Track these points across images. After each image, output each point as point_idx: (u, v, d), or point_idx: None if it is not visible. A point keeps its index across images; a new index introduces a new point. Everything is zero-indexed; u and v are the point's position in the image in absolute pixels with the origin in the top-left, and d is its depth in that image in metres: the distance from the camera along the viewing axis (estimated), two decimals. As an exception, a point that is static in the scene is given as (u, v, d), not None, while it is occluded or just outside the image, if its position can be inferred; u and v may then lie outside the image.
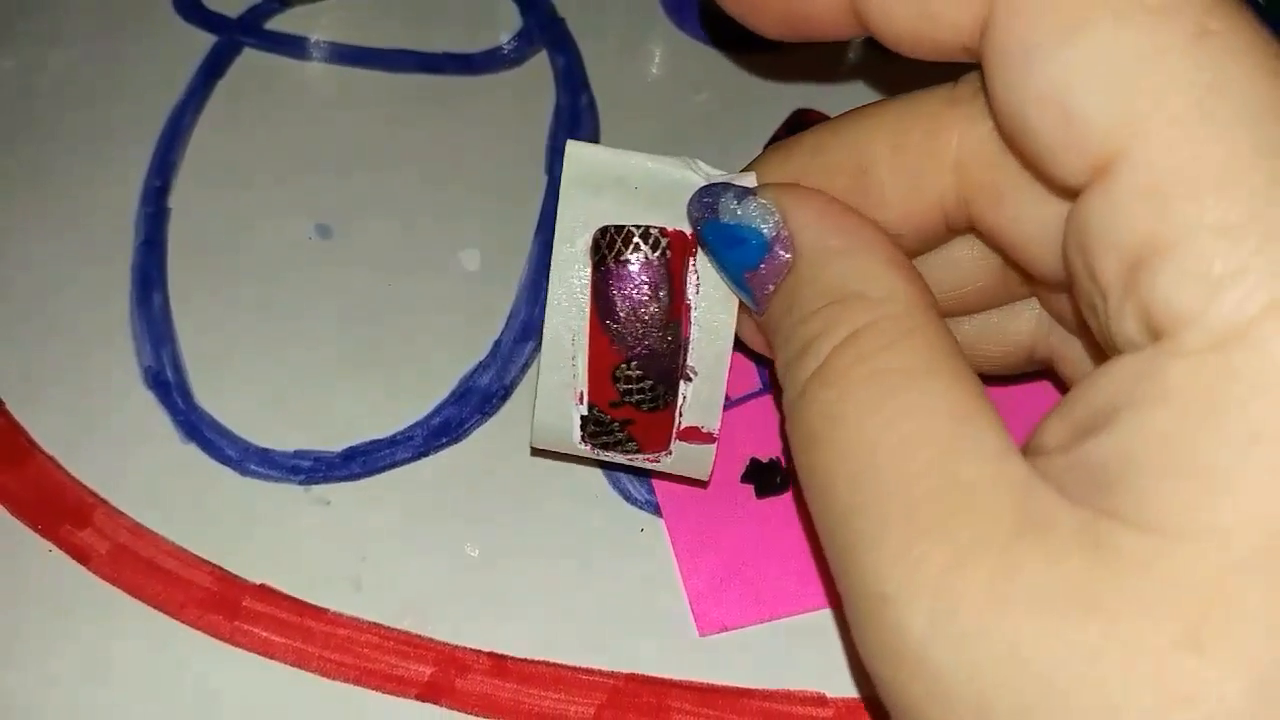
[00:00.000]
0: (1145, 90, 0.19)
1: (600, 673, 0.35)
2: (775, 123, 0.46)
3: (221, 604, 0.35)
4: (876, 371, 0.23)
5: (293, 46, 0.48)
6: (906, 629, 0.20)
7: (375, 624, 0.35)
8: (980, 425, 0.22)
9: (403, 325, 0.40)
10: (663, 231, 0.29)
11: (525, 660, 0.35)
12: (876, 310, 0.24)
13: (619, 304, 0.30)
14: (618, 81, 0.47)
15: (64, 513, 0.36)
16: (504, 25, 0.49)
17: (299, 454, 0.38)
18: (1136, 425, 0.19)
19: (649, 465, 0.34)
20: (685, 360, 0.31)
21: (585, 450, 0.33)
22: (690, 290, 0.30)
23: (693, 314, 0.30)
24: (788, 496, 0.38)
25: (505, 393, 0.39)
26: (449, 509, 0.37)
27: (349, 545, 0.36)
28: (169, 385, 0.39)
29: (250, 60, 0.47)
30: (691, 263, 0.30)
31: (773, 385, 0.39)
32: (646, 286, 0.29)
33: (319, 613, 0.35)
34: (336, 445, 0.38)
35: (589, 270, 0.30)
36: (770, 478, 0.38)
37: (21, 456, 0.37)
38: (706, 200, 0.28)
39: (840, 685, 0.34)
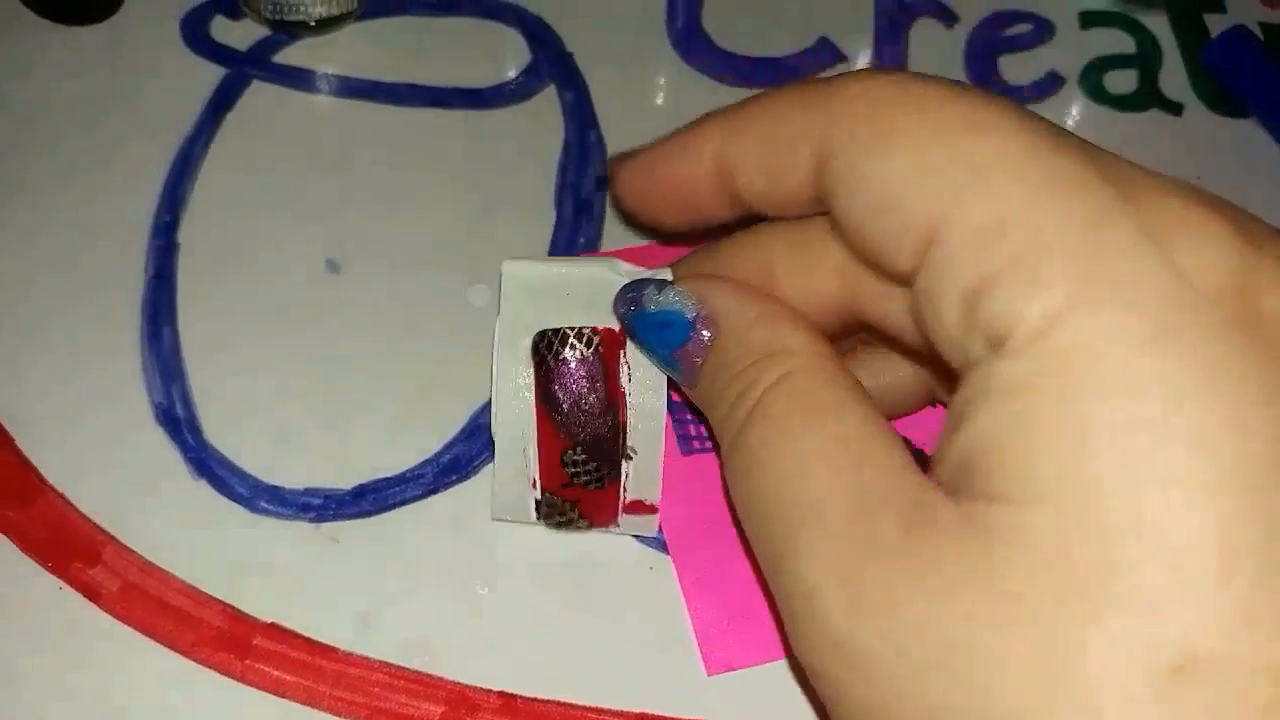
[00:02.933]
0: (951, 174, 0.23)
1: (611, 712, 0.35)
2: (782, 159, 0.46)
3: (232, 642, 0.35)
4: (804, 406, 0.27)
5: (301, 80, 0.48)
6: (827, 616, 0.24)
7: (386, 663, 0.35)
8: (884, 446, 0.25)
9: (412, 362, 0.41)
10: (595, 330, 0.34)
11: (535, 699, 0.35)
12: (799, 359, 0.28)
13: (562, 397, 0.34)
14: (625, 116, 0.48)
15: (74, 550, 0.36)
16: (513, 60, 0.49)
17: (309, 491, 0.38)
18: (981, 418, 0.22)
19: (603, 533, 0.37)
20: (625, 441, 0.35)
21: (540, 523, 0.37)
22: (624, 379, 0.34)
23: (628, 400, 0.34)
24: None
25: (515, 430, 0.39)
26: (459, 547, 0.37)
27: (359, 583, 0.36)
28: (179, 422, 0.39)
29: (259, 93, 0.47)
30: (623, 355, 0.34)
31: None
32: (584, 380, 0.34)
33: (329, 651, 0.35)
34: (346, 483, 0.38)
35: (531, 370, 0.34)
36: (778, 516, 0.38)
37: (31, 493, 0.37)
38: (631, 295, 0.32)
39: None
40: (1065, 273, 0.21)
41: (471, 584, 0.37)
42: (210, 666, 0.35)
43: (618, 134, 0.47)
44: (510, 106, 0.48)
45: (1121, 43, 0.53)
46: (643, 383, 0.34)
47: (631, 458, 0.35)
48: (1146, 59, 0.52)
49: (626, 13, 0.51)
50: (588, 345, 0.34)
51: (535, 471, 0.35)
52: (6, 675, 0.34)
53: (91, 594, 0.36)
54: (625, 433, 0.35)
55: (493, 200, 0.45)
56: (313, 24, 0.48)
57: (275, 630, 0.35)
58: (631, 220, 0.36)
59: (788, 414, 0.27)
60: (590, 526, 0.37)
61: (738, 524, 0.29)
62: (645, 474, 0.35)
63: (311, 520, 0.37)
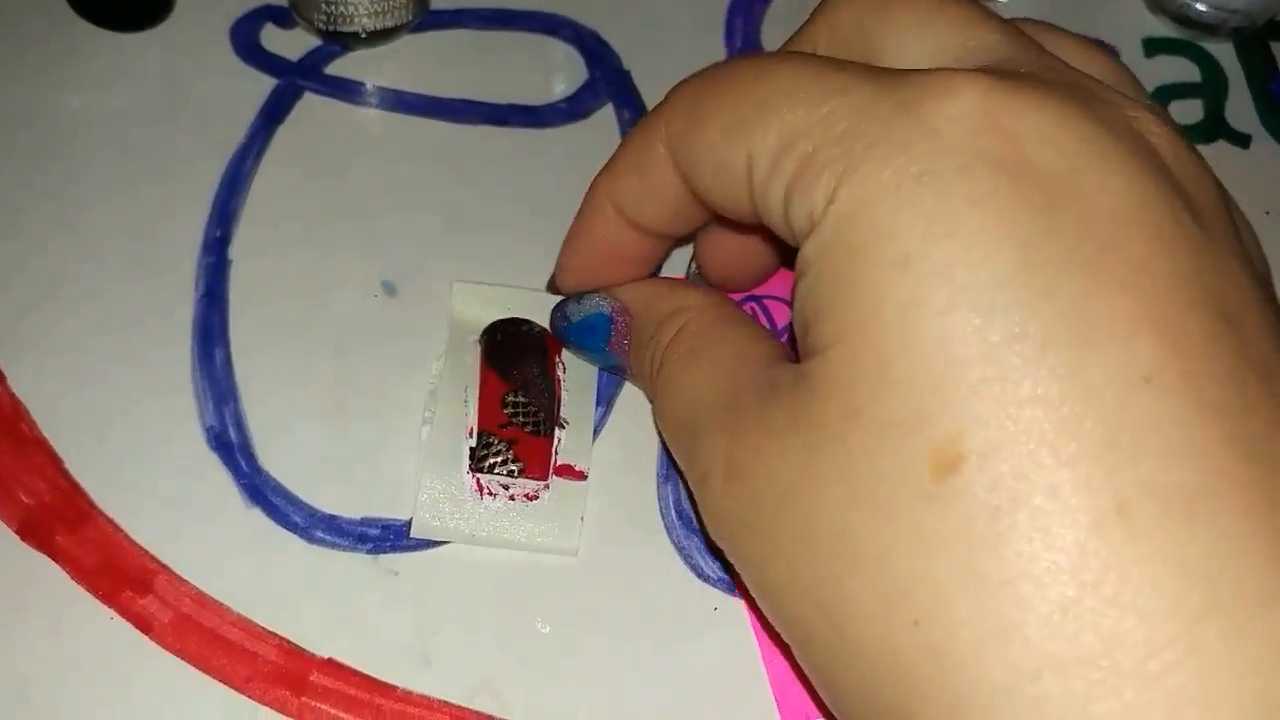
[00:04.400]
0: (749, 118, 0.28)
1: (676, 759, 0.34)
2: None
3: (288, 678, 0.34)
4: (697, 343, 0.32)
5: (354, 92, 0.47)
6: (713, 494, 0.28)
7: (447, 703, 0.34)
8: (759, 349, 0.30)
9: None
10: (537, 324, 0.40)
11: (599, 744, 0.34)
12: (690, 313, 0.33)
13: (509, 350, 0.39)
14: (683, 137, 0.47)
15: (125, 579, 0.35)
16: (570, 77, 0.48)
17: (366, 521, 0.37)
18: (798, 292, 0.26)
19: (529, 508, 0.37)
20: (559, 412, 0.39)
21: (469, 486, 0.37)
22: (559, 371, 0.39)
23: (562, 384, 0.39)
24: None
25: (576, 462, 0.38)
26: (520, 583, 0.36)
27: (419, 618, 0.35)
28: (232, 446, 0.38)
29: (311, 105, 0.46)
30: (558, 359, 0.39)
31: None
32: (529, 351, 0.39)
33: (389, 689, 0.34)
34: (405, 513, 0.37)
35: (479, 353, 0.39)
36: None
37: (82, 519, 0.36)
38: (559, 313, 0.38)
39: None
40: (834, 157, 0.25)
41: (532, 621, 0.36)
42: (265, 703, 0.34)
43: (676, 155, 0.46)
44: (567, 125, 0.47)
45: (1186, 71, 0.52)
46: (576, 380, 0.39)
47: (565, 426, 0.39)
48: (1212, 88, 0.51)
49: (684, 30, 0.50)
50: (531, 329, 0.39)
51: (473, 419, 0.38)
52: (54, 708, 0.33)
53: (144, 625, 0.35)
54: (560, 405, 0.39)
55: (550, 222, 0.43)
56: (364, 35, 0.47)
57: (333, 666, 0.35)
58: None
59: (684, 353, 0.32)
60: (522, 473, 0.37)
61: (673, 461, 0.34)
62: (578, 443, 0.38)
63: (369, 551, 0.36)
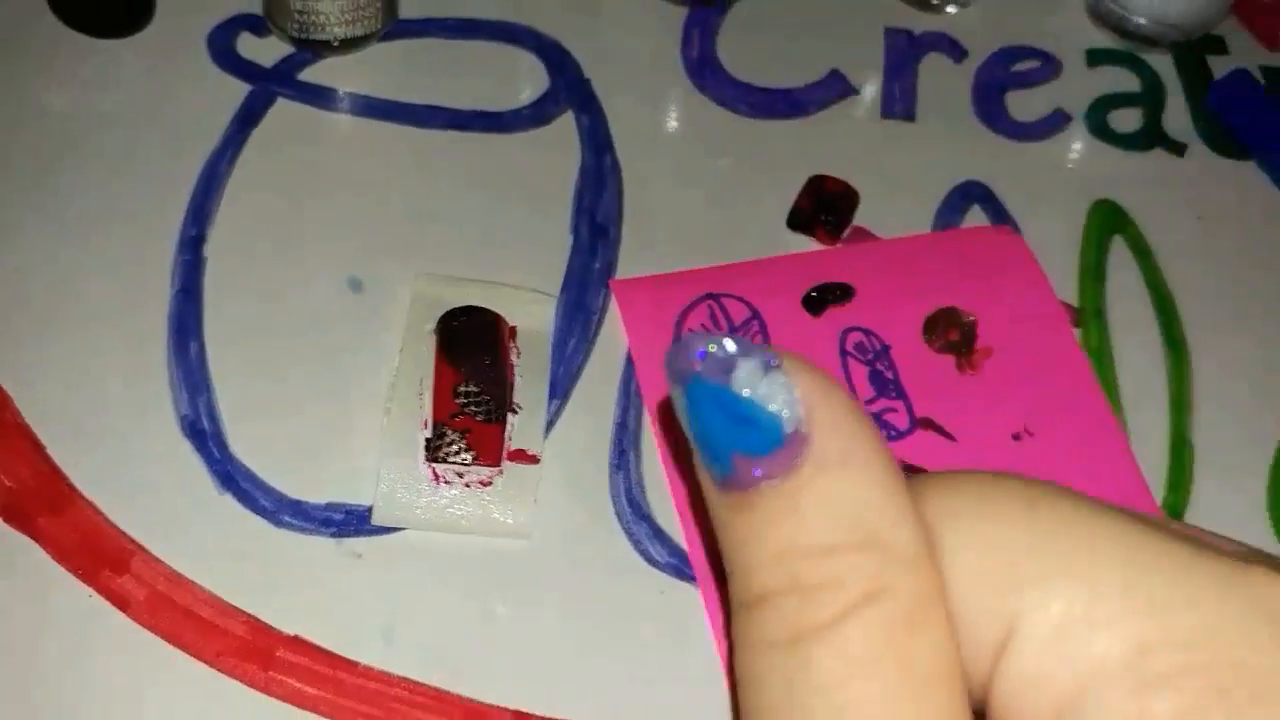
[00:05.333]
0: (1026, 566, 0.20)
1: (621, 731, 0.36)
2: (794, 188, 0.48)
3: (256, 653, 0.36)
4: (898, 658, 0.20)
5: (325, 98, 0.49)
6: None
7: (405, 678, 0.36)
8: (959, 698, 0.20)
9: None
10: (492, 311, 0.41)
11: (546, 719, 0.36)
12: (904, 572, 0.20)
13: (459, 345, 0.40)
14: (641, 141, 0.49)
15: (103, 559, 0.37)
16: (532, 85, 0.50)
17: (331, 507, 0.39)
18: None
19: (483, 493, 0.39)
20: (512, 397, 0.39)
21: (425, 475, 0.39)
22: (513, 356, 0.40)
23: (516, 369, 0.40)
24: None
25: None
26: (475, 565, 0.38)
27: (380, 599, 0.37)
28: (205, 434, 0.40)
29: (284, 110, 0.48)
30: (512, 343, 0.41)
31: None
32: (482, 335, 0.40)
33: (350, 665, 0.36)
34: (368, 499, 0.39)
35: (434, 341, 0.40)
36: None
37: (61, 501, 0.38)
38: (715, 355, 0.22)
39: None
40: (1192, 674, 0.19)
41: (490, 603, 0.38)
42: (234, 677, 0.36)
43: (633, 159, 0.48)
44: (529, 131, 0.49)
45: (1126, 81, 0.54)
46: (529, 365, 0.40)
47: (517, 412, 0.40)
48: (1151, 98, 0.53)
49: (644, 41, 0.52)
50: (484, 316, 0.41)
51: (429, 412, 0.39)
52: (37, 680, 0.35)
53: (120, 602, 0.37)
54: (513, 391, 0.40)
55: (511, 222, 0.46)
56: (336, 44, 0.49)
57: (298, 642, 0.37)
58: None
59: (870, 665, 0.20)
60: (475, 461, 0.39)
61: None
62: (530, 428, 0.40)
63: (333, 535, 0.38)
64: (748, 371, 0.21)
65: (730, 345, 0.21)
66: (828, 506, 0.21)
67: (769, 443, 0.21)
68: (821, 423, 0.21)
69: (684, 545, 0.39)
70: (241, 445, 0.40)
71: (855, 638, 0.20)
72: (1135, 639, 0.19)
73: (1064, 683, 0.19)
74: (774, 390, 0.21)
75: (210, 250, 0.44)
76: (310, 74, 0.49)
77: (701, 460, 0.22)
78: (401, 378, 0.41)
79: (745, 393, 0.21)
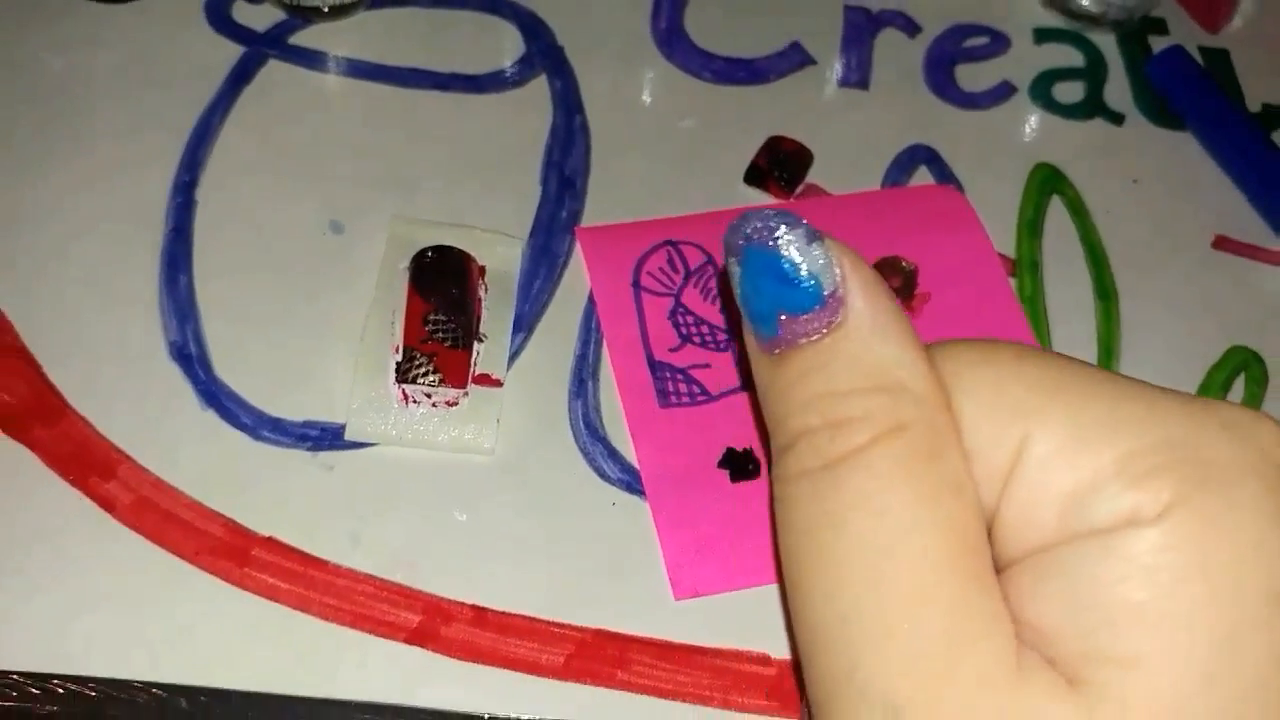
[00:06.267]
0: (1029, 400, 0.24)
1: (571, 627, 0.39)
2: (753, 147, 0.51)
3: (232, 552, 0.39)
4: (916, 478, 0.23)
5: (314, 60, 0.52)
6: None
7: (370, 575, 0.39)
8: (983, 556, 0.23)
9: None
10: (463, 250, 0.44)
11: (503, 613, 0.39)
12: (921, 409, 0.24)
13: (433, 272, 0.43)
14: (609, 105, 0.52)
15: (92, 466, 0.40)
16: (508, 50, 0.53)
17: (307, 424, 0.42)
18: (1089, 589, 0.22)
19: (449, 413, 0.42)
20: (478, 327, 0.43)
21: (394, 395, 0.42)
22: (480, 291, 0.44)
23: (483, 304, 0.44)
24: (759, 481, 0.42)
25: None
26: (440, 478, 0.41)
27: (349, 506, 0.40)
28: (191, 358, 0.43)
29: (275, 71, 0.52)
30: (481, 281, 0.44)
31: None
32: (451, 272, 0.43)
33: (320, 563, 0.39)
34: (342, 418, 0.42)
35: (407, 279, 0.43)
36: (744, 464, 0.42)
37: (55, 415, 0.41)
38: (760, 225, 0.25)
39: (785, 649, 0.39)
40: (1170, 470, 0.22)
41: (450, 510, 0.41)
42: (212, 572, 0.39)
43: (602, 120, 0.51)
44: (504, 92, 0.52)
45: (1071, 57, 0.57)
46: (495, 300, 0.44)
47: (483, 340, 0.43)
48: (1093, 72, 0.57)
49: (615, 11, 0.55)
50: (454, 253, 0.44)
51: (400, 337, 0.42)
52: (29, 578, 0.38)
53: (107, 505, 0.40)
54: (479, 322, 0.44)
55: (485, 175, 0.49)
56: (326, 10, 0.53)
57: (272, 543, 0.39)
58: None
59: (894, 481, 0.23)
60: (442, 382, 0.42)
61: (778, 560, 0.26)
62: (495, 355, 0.43)
63: (309, 449, 0.41)
64: (794, 238, 0.25)
65: (780, 219, 0.25)
66: (858, 358, 0.24)
67: (810, 301, 0.24)
68: (853, 288, 0.24)
69: (635, 464, 0.42)
70: (225, 368, 0.43)
71: (882, 460, 0.23)
72: (1123, 448, 0.22)
73: (1065, 488, 0.23)
74: (816, 257, 0.24)
75: (201, 194, 0.47)
76: (300, 38, 0.53)
77: (750, 323, 0.26)
78: (375, 308, 0.44)
79: (792, 254, 0.24)
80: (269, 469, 0.41)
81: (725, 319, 0.46)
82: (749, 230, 0.25)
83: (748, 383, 0.44)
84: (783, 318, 0.25)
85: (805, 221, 0.25)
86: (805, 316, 0.24)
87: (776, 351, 0.25)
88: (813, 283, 0.24)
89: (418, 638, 0.38)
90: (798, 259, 0.24)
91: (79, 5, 0.52)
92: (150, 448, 0.41)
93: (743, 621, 0.39)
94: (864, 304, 0.24)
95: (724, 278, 0.34)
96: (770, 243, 0.25)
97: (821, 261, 0.24)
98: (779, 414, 0.25)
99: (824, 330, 0.24)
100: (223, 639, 0.37)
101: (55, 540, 0.39)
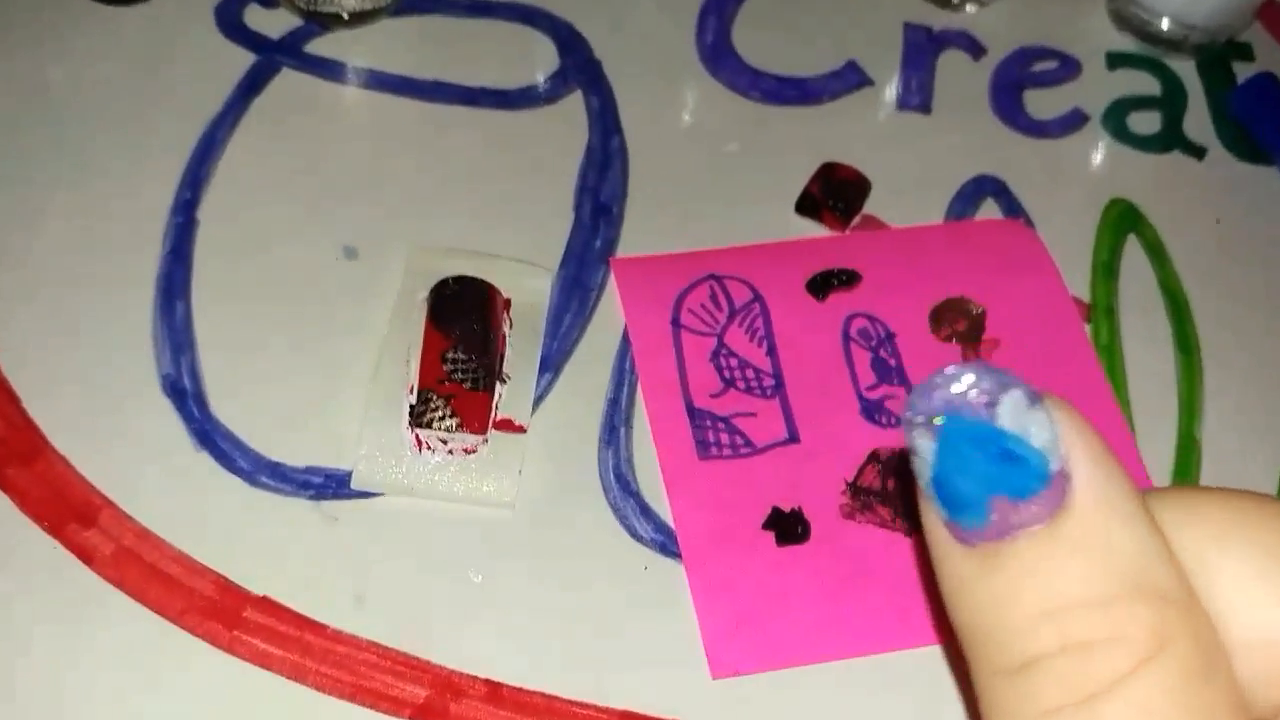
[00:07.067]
0: None
1: (594, 707, 0.35)
2: (804, 175, 0.47)
3: (221, 612, 0.35)
4: (1195, 709, 0.18)
5: (331, 70, 0.48)
6: None
7: (374, 642, 0.35)
8: None
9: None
10: (485, 280, 0.40)
11: (520, 689, 0.35)
12: (1183, 619, 0.19)
13: (453, 305, 0.39)
14: (649, 125, 0.48)
15: (71, 511, 0.37)
16: (542, 64, 0.49)
17: (310, 470, 0.38)
18: None
19: (467, 461, 0.38)
20: (501, 367, 0.39)
21: (408, 441, 0.38)
22: (505, 326, 0.40)
23: (507, 341, 0.40)
24: (808, 546, 0.38)
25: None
26: (455, 534, 0.37)
27: (354, 563, 0.36)
28: (185, 393, 0.39)
29: (288, 81, 0.48)
30: (506, 315, 0.40)
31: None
32: (472, 305, 0.39)
33: (319, 628, 0.35)
34: (349, 464, 0.38)
35: (425, 309, 0.40)
36: (792, 527, 0.38)
37: (32, 453, 0.37)
38: (976, 387, 0.20)
39: (836, 736, 0.34)
40: None
41: (465, 570, 0.37)
42: (198, 635, 0.35)
43: (641, 142, 0.47)
44: (536, 109, 0.48)
45: (1147, 84, 0.53)
46: (521, 336, 0.40)
47: (506, 381, 0.39)
48: (1171, 101, 0.52)
49: (658, 24, 0.52)
50: (477, 285, 0.40)
51: (415, 377, 0.38)
52: (-5, 630, 0.34)
53: (85, 556, 0.36)
54: (502, 361, 0.40)
55: (514, 200, 0.45)
56: (346, 17, 0.49)
57: (267, 603, 0.35)
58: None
59: (1172, 716, 0.18)
60: (460, 427, 0.38)
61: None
62: (519, 398, 0.39)
63: (311, 498, 0.37)
64: (1014, 404, 0.19)
65: (994, 379, 0.20)
66: (1095, 553, 0.19)
67: (1035, 482, 0.19)
68: (1080, 460, 0.19)
69: (671, 523, 0.38)
70: (222, 406, 0.39)
71: (1151, 693, 0.18)
72: None
73: None
74: (1039, 426, 0.19)
75: (203, 214, 0.43)
76: (317, 46, 0.49)
77: (944, 512, 0.20)
78: (389, 343, 0.40)
79: (1008, 424, 0.19)
80: (266, 519, 0.37)
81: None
82: (952, 394, 0.20)
83: (799, 435, 0.40)
84: (997, 505, 0.19)
85: (1020, 378, 0.20)
86: (1026, 502, 0.19)
87: (978, 544, 0.20)
88: (1039, 460, 0.19)
89: (424, 715, 0.34)
90: (1022, 431, 0.19)
91: (84, 9, 0.49)
92: (136, 492, 0.37)
93: (787, 707, 0.35)
94: (1094, 480, 0.19)
95: (901, 456, 0.28)
96: (986, 411, 0.20)
97: (1047, 431, 0.19)
98: (994, 628, 0.20)
99: (1047, 517, 0.19)
100: (208, 710, 0.34)
101: (26, 594, 0.35)
